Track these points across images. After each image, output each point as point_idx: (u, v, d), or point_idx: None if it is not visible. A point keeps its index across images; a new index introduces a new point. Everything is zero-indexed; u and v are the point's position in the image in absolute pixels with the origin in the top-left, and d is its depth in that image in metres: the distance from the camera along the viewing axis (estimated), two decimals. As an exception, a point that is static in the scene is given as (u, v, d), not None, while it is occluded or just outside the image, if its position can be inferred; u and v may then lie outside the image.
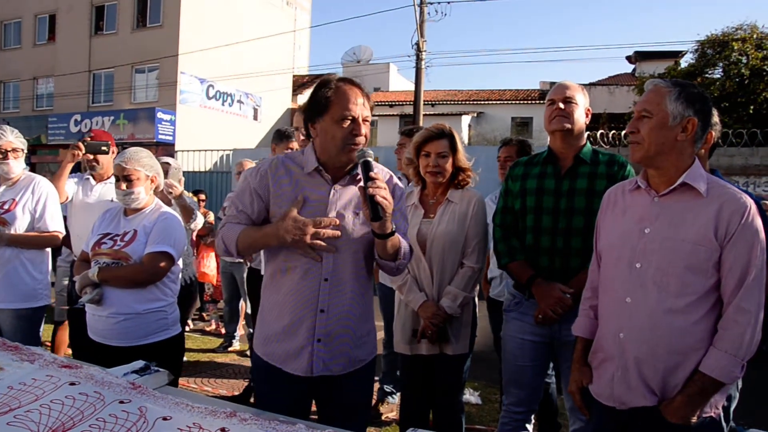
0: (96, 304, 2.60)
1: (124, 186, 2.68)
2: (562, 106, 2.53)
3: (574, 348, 2.15)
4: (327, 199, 1.99)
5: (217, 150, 18.55)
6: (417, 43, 15.38)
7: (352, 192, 2.01)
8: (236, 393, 4.55)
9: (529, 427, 2.70)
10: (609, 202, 2.06)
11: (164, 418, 1.55)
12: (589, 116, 2.62)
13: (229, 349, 5.92)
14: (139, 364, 1.93)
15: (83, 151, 3.67)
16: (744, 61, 16.78)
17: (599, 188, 2.48)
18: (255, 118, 25.13)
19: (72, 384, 1.74)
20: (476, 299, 2.89)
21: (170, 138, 20.64)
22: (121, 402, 1.63)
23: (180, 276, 2.87)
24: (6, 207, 3.19)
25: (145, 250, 2.62)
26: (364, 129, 1.95)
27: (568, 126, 2.53)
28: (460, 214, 2.78)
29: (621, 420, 1.88)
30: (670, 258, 1.79)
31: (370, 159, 1.88)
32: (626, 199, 1.98)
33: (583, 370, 2.03)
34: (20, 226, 3.17)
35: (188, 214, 3.95)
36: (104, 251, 2.64)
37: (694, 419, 1.76)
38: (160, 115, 20.60)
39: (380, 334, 3.88)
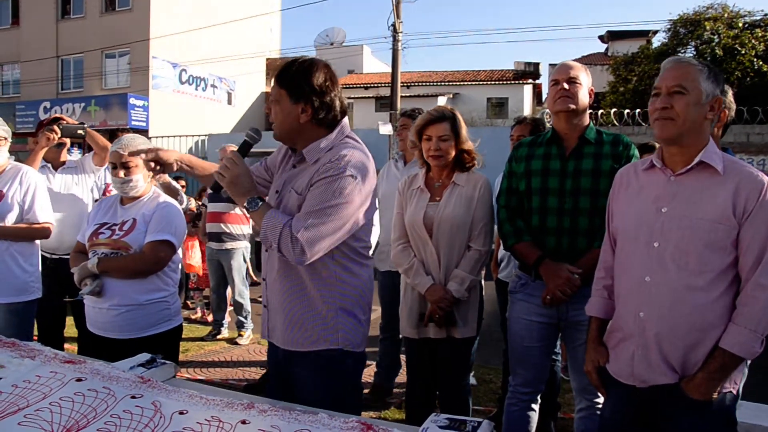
0: (96, 296, 2.53)
1: (122, 174, 2.60)
2: (566, 86, 2.51)
3: (587, 328, 2.16)
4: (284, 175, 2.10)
5: (192, 136, 18.29)
6: (393, 25, 15.24)
7: (300, 170, 2.03)
8: (230, 380, 4.52)
9: (535, 407, 2.71)
10: (621, 182, 2.05)
11: (181, 413, 1.51)
12: (593, 96, 2.61)
13: (218, 337, 5.85)
14: (145, 356, 1.88)
15: (59, 135, 3.56)
16: (716, 39, 17.03)
17: (605, 168, 2.48)
18: (229, 102, 24.83)
19: (78, 380, 1.69)
20: (482, 281, 2.89)
21: (143, 124, 20.27)
22: (133, 397, 1.59)
23: (180, 265, 2.81)
24: None
25: (146, 239, 2.55)
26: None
27: (573, 106, 2.51)
28: (466, 197, 2.76)
29: (640, 398, 1.89)
30: (689, 236, 1.79)
31: (247, 139, 2.04)
32: (640, 179, 1.97)
33: (599, 349, 2.03)
34: (9, 218, 3.03)
35: (174, 196, 3.85)
36: (102, 241, 2.57)
37: (715, 395, 1.78)
38: (132, 100, 20.23)
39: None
